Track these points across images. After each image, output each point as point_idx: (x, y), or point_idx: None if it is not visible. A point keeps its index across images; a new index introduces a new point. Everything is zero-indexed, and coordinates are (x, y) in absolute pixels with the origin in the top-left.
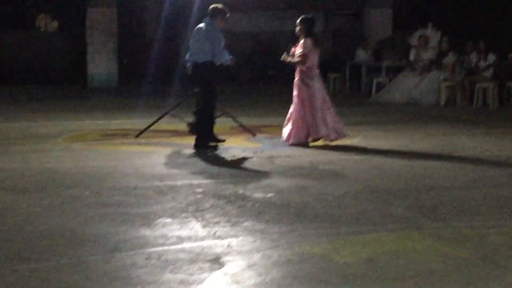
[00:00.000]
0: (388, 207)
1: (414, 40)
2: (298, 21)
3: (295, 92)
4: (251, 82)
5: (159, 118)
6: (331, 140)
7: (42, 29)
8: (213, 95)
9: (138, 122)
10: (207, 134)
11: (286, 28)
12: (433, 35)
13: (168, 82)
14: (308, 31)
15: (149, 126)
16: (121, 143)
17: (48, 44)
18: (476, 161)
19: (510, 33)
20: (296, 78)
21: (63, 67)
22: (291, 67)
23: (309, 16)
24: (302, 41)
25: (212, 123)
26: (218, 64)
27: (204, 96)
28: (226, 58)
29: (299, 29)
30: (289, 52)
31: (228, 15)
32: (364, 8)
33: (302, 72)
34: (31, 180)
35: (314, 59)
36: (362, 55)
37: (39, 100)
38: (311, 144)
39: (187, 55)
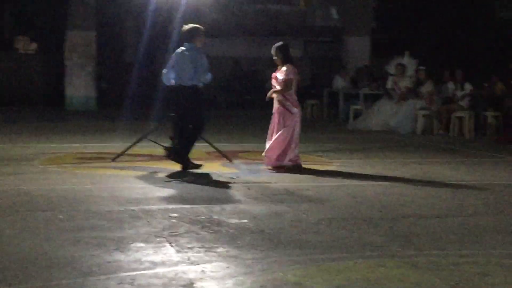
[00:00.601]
0: (362, 234)
1: (391, 68)
2: (273, 51)
3: (276, 119)
4: (229, 107)
5: (136, 142)
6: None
7: (20, 51)
8: (199, 118)
9: (115, 146)
10: (186, 153)
11: (266, 54)
12: (410, 64)
13: (147, 106)
14: (285, 58)
15: (126, 149)
16: (98, 166)
17: (26, 66)
18: (452, 190)
19: (485, 63)
20: (277, 105)
21: (41, 89)
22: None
23: (282, 43)
24: (284, 68)
25: (189, 146)
26: (202, 84)
27: (190, 119)
28: (208, 77)
29: (277, 57)
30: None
31: (203, 30)
32: (342, 36)
33: (286, 99)
34: (5, 203)
35: (294, 85)
36: (340, 82)
37: (16, 121)
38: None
39: (166, 77)
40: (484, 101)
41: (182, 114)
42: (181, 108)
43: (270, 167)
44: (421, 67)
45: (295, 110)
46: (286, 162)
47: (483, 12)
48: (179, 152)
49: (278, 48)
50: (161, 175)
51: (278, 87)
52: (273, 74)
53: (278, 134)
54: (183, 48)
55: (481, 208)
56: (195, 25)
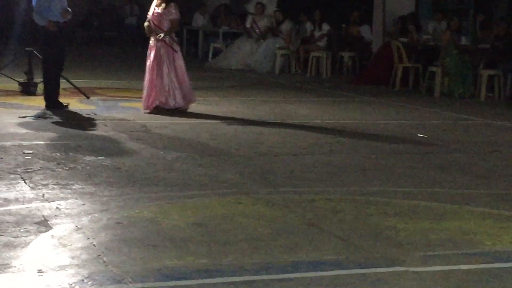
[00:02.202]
0: (219, 172)
1: (251, 7)
2: None
3: (155, 57)
4: (88, 43)
5: None
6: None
7: None
8: (54, 56)
9: None
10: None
11: None
12: (270, 3)
13: (1, 40)
14: None
15: None
16: None
17: None
18: (307, 128)
19: (344, 4)
20: (158, 43)
21: None
22: (130, 30)
23: None
24: (170, 6)
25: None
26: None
27: (44, 56)
28: (53, 14)
29: None
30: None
31: None
32: None
33: (171, 38)
34: None
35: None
36: (199, 20)
37: None
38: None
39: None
40: (342, 42)
41: (42, 50)
42: (41, 44)
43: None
44: (277, 9)
45: (178, 47)
46: (178, 103)
47: None
48: (47, 92)
49: None
50: (16, 111)
51: (159, 25)
52: (154, 11)
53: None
54: None
55: (335, 147)
56: None
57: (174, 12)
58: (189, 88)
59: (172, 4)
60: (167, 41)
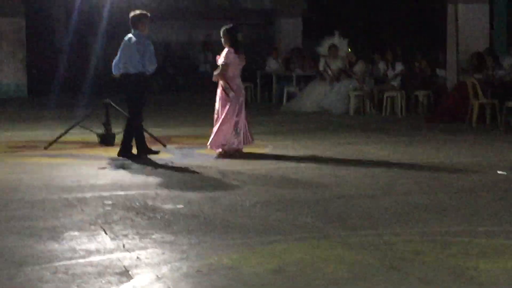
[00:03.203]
0: (297, 216)
1: (322, 49)
2: (222, 31)
3: (218, 103)
4: (162, 91)
5: (69, 129)
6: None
7: None
8: (141, 106)
9: (47, 134)
10: (129, 144)
11: (197, 38)
12: (342, 45)
13: (78, 92)
14: (231, 41)
15: (59, 137)
16: (30, 155)
17: None
18: (384, 169)
19: (416, 43)
20: (219, 89)
21: None
22: (203, 77)
23: (230, 26)
24: (224, 52)
25: (142, 134)
26: (149, 72)
27: (132, 106)
28: (154, 65)
29: (224, 41)
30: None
31: (147, 16)
32: (274, 18)
33: (227, 83)
34: None
35: (237, 69)
36: (272, 64)
37: None
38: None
39: (115, 66)
40: (415, 80)
41: (128, 101)
42: (127, 96)
43: (216, 153)
44: (350, 51)
45: (232, 94)
46: (228, 148)
47: None
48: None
49: (226, 30)
50: (95, 162)
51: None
52: (217, 57)
53: (220, 119)
54: (129, 35)
55: (412, 187)
56: (140, 11)
57: (223, 57)
58: (230, 132)
59: (228, 49)
60: (223, 85)
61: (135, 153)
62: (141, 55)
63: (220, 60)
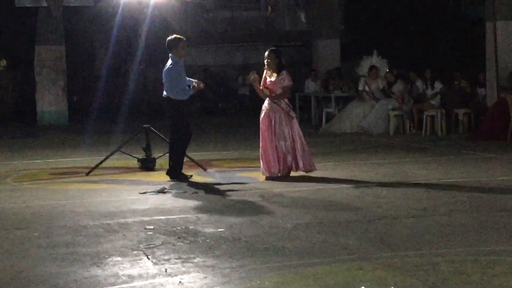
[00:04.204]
0: (338, 238)
1: (362, 69)
2: (267, 53)
3: (267, 124)
4: (201, 115)
5: (110, 155)
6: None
7: None
8: (180, 130)
9: (88, 160)
10: (179, 166)
11: (235, 61)
12: (380, 64)
13: (118, 118)
14: (279, 62)
15: (100, 163)
16: (72, 181)
17: None
18: (426, 189)
19: (455, 61)
20: (274, 109)
21: (13, 105)
22: (243, 100)
23: (275, 48)
24: (282, 74)
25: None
26: (178, 99)
27: (173, 129)
28: (182, 93)
29: (271, 61)
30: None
31: (184, 40)
32: (312, 40)
33: (287, 105)
34: None
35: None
36: (311, 86)
37: None
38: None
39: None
40: (455, 99)
41: (170, 125)
42: (169, 119)
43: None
44: (389, 70)
45: (294, 114)
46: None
47: (449, 9)
48: (172, 166)
49: (274, 52)
50: (136, 187)
51: (269, 93)
52: (265, 79)
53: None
54: (169, 60)
55: (454, 207)
56: (174, 36)
57: (287, 79)
58: (309, 155)
59: (284, 71)
60: (284, 108)
61: (186, 174)
62: (177, 79)
63: (284, 82)
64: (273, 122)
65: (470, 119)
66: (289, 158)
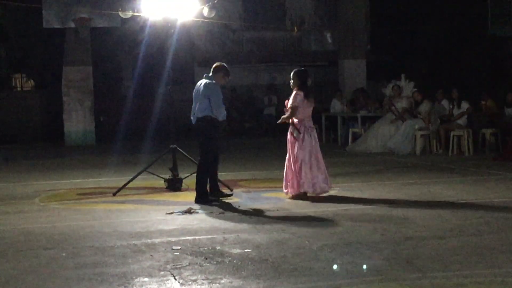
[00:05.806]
0: (365, 259)
1: (388, 91)
2: (291, 74)
3: (289, 145)
4: (228, 135)
5: (136, 175)
6: (314, 193)
7: (18, 88)
8: (212, 150)
9: (115, 180)
10: (204, 191)
11: (262, 81)
12: (407, 86)
13: (144, 138)
14: (301, 84)
15: (127, 183)
16: (99, 201)
17: (24, 104)
18: (453, 209)
19: (482, 81)
20: (289, 131)
21: (40, 125)
22: (269, 120)
23: (301, 69)
24: (293, 94)
25: (213, 177)
26: (219, 119)
27: (203, 150)
28: (224, 113)
29: (293, 82)
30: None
31: (226, 70)
32: (338, 60)
33: (294, 125)
34: (8, 242)
35: (305, 112)
36: (337, 106)
37: (16, 159)
38: (289, 198)
39: (193, 116)
40: (482, 119)
41: (199, 145)
42: (198, 139)
43: (290, 196)
44: (416, 89)
45: (300, 136)
46: (305, 189)
47: (476, 29)
48: (198, 193)
49: (295, 73)
50: (163, 207)
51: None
52: (286, 101)
53: (291, 162)
54: (201, 80)
55: (482, 227)
56: (222, 63)
57: (293, 99)
58: (312, 177)
59: (295, 91)
60: (290, 129)
61: (211, 197)
62: (208, 100)
63: (289, 103)
64: (289, 144)
65: (497, 139)
66: (294, 180)
